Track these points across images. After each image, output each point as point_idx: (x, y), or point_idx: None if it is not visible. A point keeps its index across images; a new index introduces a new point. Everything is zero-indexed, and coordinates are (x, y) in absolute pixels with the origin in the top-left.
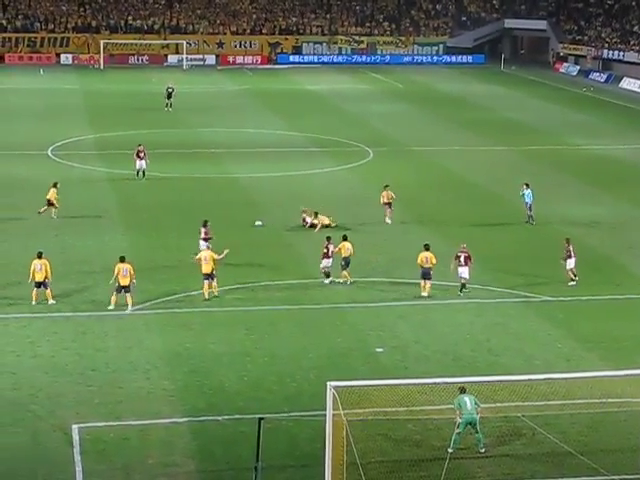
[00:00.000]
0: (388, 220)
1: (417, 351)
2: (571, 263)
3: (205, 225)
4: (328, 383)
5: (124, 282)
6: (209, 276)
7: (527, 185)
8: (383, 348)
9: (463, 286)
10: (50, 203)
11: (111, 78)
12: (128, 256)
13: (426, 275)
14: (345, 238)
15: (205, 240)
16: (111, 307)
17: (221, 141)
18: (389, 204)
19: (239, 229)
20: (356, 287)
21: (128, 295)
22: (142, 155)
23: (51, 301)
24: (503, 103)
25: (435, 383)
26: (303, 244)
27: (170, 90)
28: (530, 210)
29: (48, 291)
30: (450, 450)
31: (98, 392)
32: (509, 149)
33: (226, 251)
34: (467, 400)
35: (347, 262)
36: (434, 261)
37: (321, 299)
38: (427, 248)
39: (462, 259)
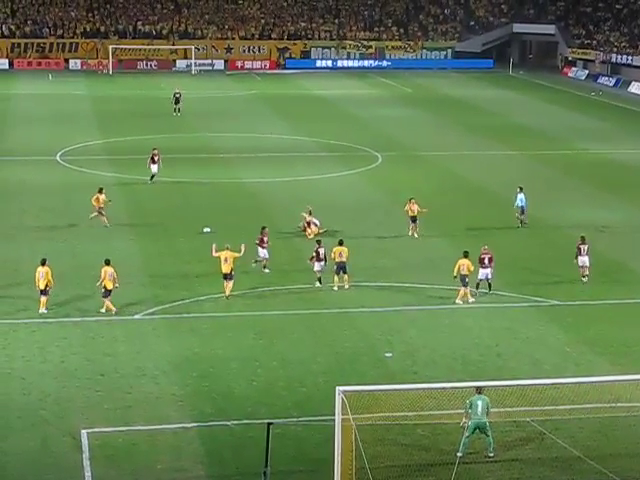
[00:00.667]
0: (412, 234)
1: (426, 356)
2: (581, 261)
3: (263, 231)
4: (337, 388)
5: (110, 286)
6: (227, 276)
7: (521, 189)
8: (392, 353)
9: (489, 286)
10: (100, 210)
11: (120, 83)
12: (137, 262)
13: (462, 282)
14: (341, 243)
15: (262, 246)
16: (113, 312)
17: (230, 146)
18: (414, 218)
19: (247, 234)
20: (365, 292)
21: (109, 298)
22: (156, 159)
23: (42, 310)
24: (511, 107)
25: (444, 388)
26: (312, 249)
27: (177, 95)
28: (523, 214)
29: (44, 299)
30: (459, 454)
31: (107, 397)
32: (518, 153)
33: (243, 246)
34: (479, 403)
35: (341, 267)
36: (472, 268)
37: (330, 304)
38: (466, 255)
39: (486, 260)
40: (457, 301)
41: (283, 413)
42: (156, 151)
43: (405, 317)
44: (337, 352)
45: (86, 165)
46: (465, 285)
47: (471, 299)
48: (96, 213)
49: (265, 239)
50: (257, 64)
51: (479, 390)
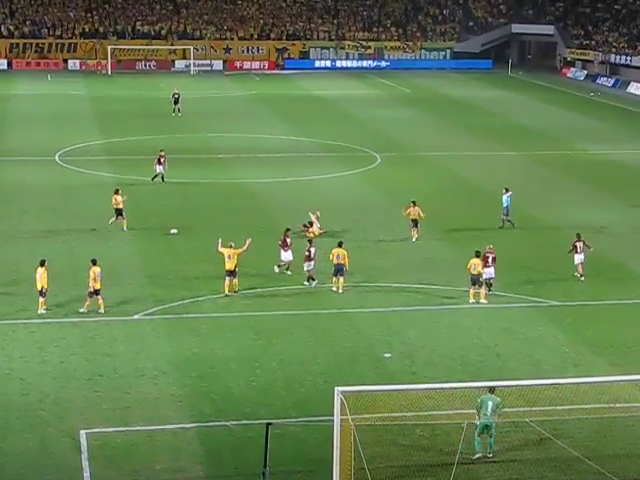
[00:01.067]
0: (413, 237)
1: (425, 356)
2: (577, 259)
3: (286, 233)
4: (336, 388)
5: (98, 286)
6: (231, 273)
7: (507, 189)
8: (391, 353)
9: (490, 285)
10: (119, 212)
11: (119, 84)
12: (136, 262)
13: (475, 282)
14: (340, 245)
15: (284, 249)
16: (83, 310)
17: (229, 146)
18: (415, 222)
19: (247, 234)
20: (364, 292)
21: (100, 298)
22: (162, 160)
23: (41, 310)
24: (510, 108)
25: (442, 388)
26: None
27: (176, 95)
28: (507, 215)
29: (42, 299)
30: (478, 455)
31: (106, 397)
32: (517, 154)
33: (248, 241)
34: (490, 403)
35: (339, 269)
36: (479, 269)
37: (329, 304)
38: (477, 255)
39: (490, 260)
40: (482, 300)
41: (282, 413)
42: (163, 152)
43: (404, 317)
44: (336, 352)
45: (85, 165)
46: (479, 284)
47: (472, 300)
48: (114, 218)
49: (288, 241)
50: (256, 64)
51: (491, 390)
